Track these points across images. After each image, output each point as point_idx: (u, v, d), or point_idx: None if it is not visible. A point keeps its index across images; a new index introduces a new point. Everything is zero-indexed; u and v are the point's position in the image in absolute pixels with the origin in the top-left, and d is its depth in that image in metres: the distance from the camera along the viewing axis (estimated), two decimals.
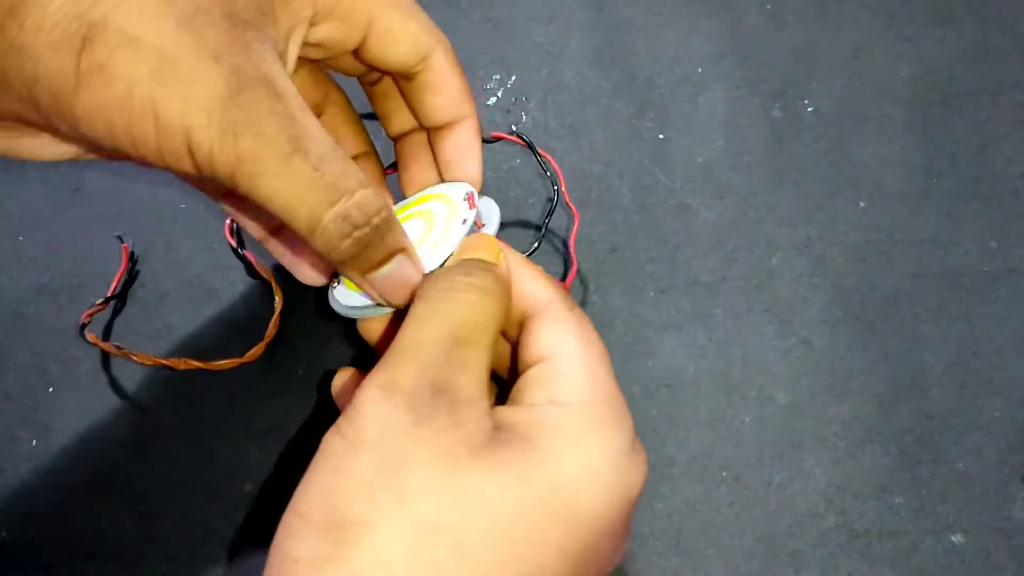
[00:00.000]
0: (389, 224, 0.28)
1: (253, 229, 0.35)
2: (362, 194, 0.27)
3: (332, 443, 0.25)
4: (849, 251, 0.39)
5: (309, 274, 0.34)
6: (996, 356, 0.37)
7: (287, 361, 0.37)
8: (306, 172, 0.26)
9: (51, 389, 0.37)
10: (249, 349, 0.36)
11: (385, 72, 0.33)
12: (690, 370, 0.37)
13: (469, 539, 0.24)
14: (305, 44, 0.30)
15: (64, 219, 0.40)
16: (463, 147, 0.34)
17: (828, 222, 0.40)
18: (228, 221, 0.38)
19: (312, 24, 0.30)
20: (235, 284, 0.39)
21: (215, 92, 0.24)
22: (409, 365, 0.25)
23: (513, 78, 0.42)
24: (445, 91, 0.32)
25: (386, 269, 0.29)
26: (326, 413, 0.37)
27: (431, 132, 0.34)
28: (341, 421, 0.25)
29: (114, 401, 0.37)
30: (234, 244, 0.38)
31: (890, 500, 0.35)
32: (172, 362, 0.36)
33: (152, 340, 0.38)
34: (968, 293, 0.38)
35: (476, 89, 0.42)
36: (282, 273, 0.37)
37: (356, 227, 0.27)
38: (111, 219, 0.40)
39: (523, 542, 0.24)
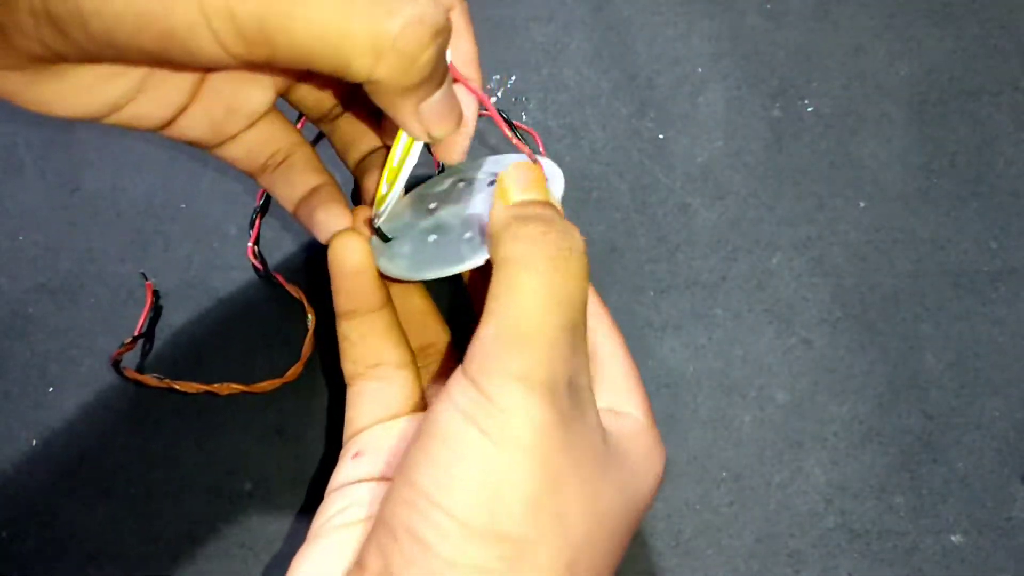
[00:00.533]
0: (447, 39, 0.25)
1: (285, 197, 0.32)
2: (421, 6, 0.23)
3: (467, 434, 0.24)
4: (849, 251, 0.39)
5: (337, 222, 0.31)
6: (996, 356, 0.37)
7: (286, 362, 0.37)
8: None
9: (51, 389, 0.37)
10: (276, 361, 0.36)
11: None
12: (690, 370, 0.37)
13: (600, 551, 0.25)
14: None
15: (64, 219, 0.40)
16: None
17: (828, 222, 0.40)
18: (251, 244, 0.38)
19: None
20: (235, 283, 0.39)
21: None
22: (543, 355, 0.24)
23: (513, 78, 0.42)
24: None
25: (439, 92, 0.26)
26: (326, 413, 0.37)
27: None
28: (474, 410, 0.24)
29: (114, 401, 0.37)
30: (259, 267, 0.38)
31: (890, 500, 0.35)
32: (217, 388, 0.36)
33: (170, 356, 0.38)
34: (968, 293, 0.38)
35: None
36: (312, 289, 0.37)
37: (436, 32, 0.24)
38: (111, 219, 0.40)
39: (621, 547, 0.26)
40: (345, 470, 0.29)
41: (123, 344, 0.37)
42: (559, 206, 0.27)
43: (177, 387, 0.36)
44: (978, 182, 0.40)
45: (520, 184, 0.26)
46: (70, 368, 0.37)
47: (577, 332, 0.25)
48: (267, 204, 0.39)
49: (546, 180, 0.27)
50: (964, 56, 0.42)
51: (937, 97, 0.41)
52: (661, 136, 0.41)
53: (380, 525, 0.24)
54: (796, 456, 0.36)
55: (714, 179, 0.40)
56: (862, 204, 0.40)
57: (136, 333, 0.37)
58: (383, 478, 0.29)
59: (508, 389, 0.23)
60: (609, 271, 0.39)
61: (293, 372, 0.36)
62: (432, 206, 0.31)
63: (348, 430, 0.30)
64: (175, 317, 0.38)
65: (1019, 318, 0.38)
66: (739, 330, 0.38)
